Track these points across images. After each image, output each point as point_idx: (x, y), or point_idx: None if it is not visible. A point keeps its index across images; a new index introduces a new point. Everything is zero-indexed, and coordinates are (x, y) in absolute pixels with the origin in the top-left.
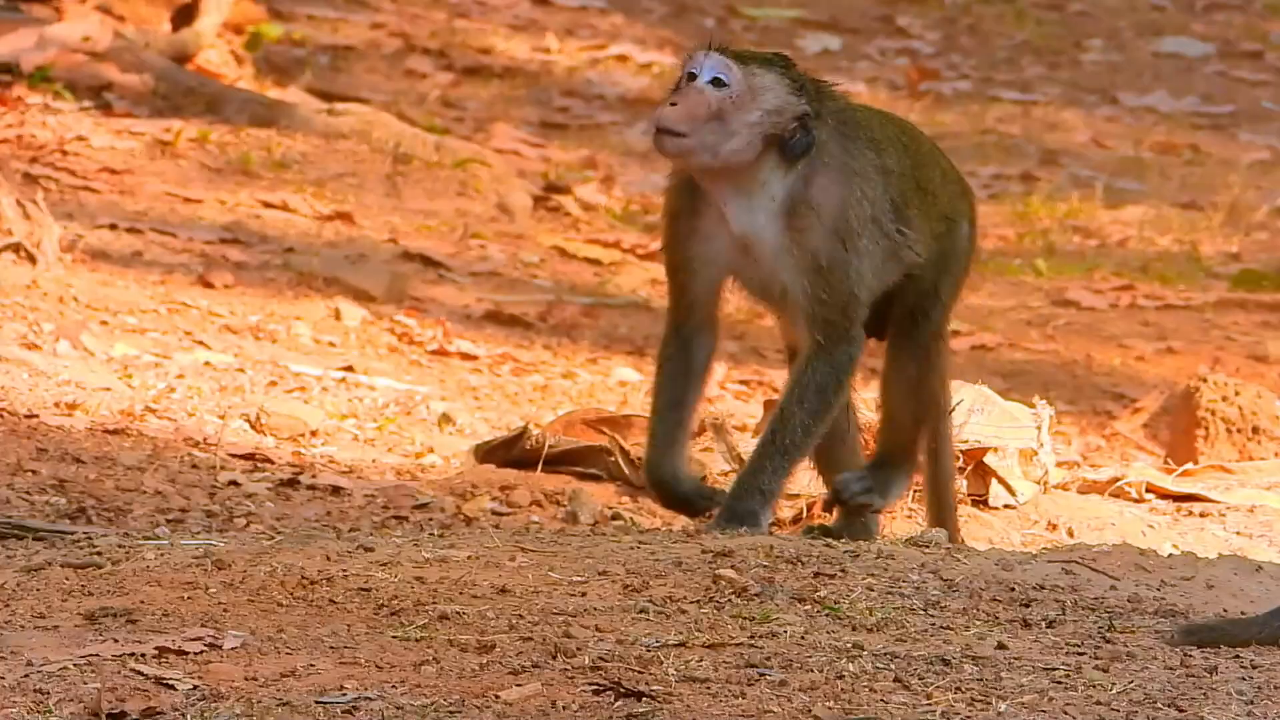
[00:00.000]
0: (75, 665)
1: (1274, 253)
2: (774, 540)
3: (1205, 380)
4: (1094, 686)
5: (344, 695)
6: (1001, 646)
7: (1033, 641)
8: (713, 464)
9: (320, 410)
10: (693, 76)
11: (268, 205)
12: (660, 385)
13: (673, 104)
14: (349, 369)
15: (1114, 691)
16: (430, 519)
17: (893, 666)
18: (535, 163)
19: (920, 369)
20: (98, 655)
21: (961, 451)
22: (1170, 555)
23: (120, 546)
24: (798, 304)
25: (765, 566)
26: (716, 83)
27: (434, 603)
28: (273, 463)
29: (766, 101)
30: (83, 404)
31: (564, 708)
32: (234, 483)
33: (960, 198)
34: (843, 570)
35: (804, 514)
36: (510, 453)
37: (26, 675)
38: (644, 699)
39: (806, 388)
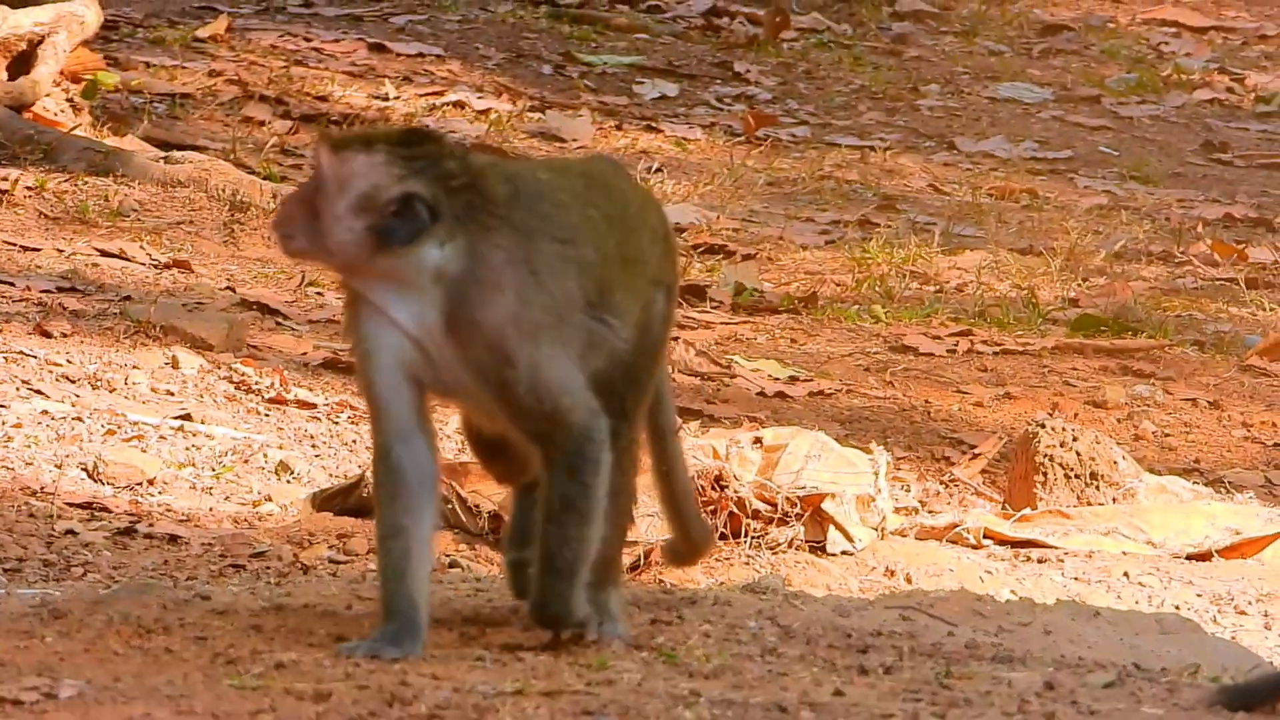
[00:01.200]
0: None
1: (1112, 298)
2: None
3: (1043, 426)
4: None
5: None
6: (839, 693)
7: (869, 688)
8: None
9: (158, 459)
10: None
11: (105, 254)
12: (378, 515)
13: (282, 202)
14: (186, 417)
15: None
16: (268, 567)
17: (730, 714)
18: None
19: (617, 481)
20: None
21: (799, 498)
22: (1008, 601)
23: None
24: (499, 417)
25: None
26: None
27: (270, 651)
28: (110, 511)
29: (354, 188)
30: None
31: None
32: (71, 532)
33: (667, 257)
34: (679, 617)
35: (642, 561)
36: (348, 500)
37: None
38: None
39: (554, 506)
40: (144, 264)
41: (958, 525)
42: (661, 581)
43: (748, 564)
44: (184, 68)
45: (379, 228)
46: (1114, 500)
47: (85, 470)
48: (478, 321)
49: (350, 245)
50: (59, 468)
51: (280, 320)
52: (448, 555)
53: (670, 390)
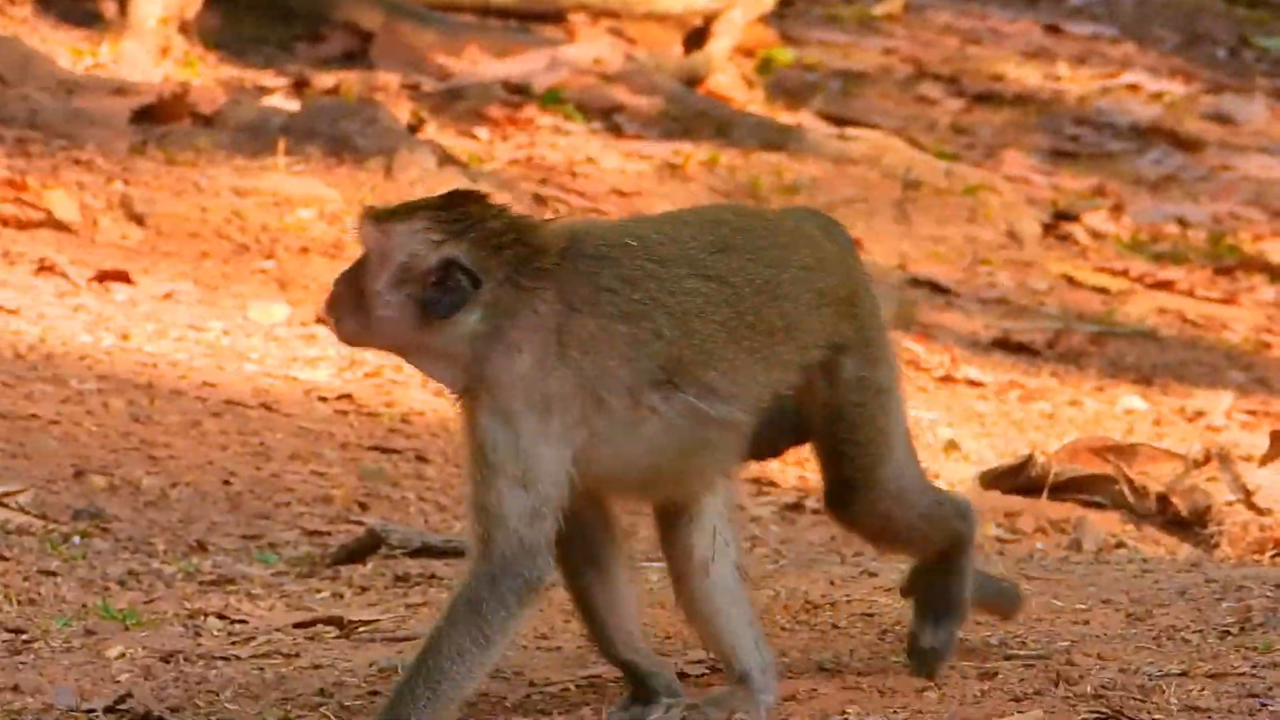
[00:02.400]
0: (577, 686)
1: None
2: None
3: None
4: None
5: (845, 719)
6: None
7: None
8: (1218, 493)
9: None
10: None
11: None
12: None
13: (334, 282)
14: None
15: None
16: None
17: None
18: (1044, 190)
19: (893, 544)
20: (599, 676)
21: None
22: None
23: None
24: (465, 484)
25: (1269, 597)
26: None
27: None
28: (778, 486)
29: (395, 261)
30: None
31: None
32: (739, 506)
33: (849, 319)
34: None
35: None
36: (1015, 480)
37: (528, 695)
38: None
39: (459, 605)
40: None
41: None
42: None
43: None
44: (858, 45)
45: (421, 300)
46: None
47: None
48: (487, 377)
49: (393, 322)
50: None
51: (951, 298)
52: (1114, 536)
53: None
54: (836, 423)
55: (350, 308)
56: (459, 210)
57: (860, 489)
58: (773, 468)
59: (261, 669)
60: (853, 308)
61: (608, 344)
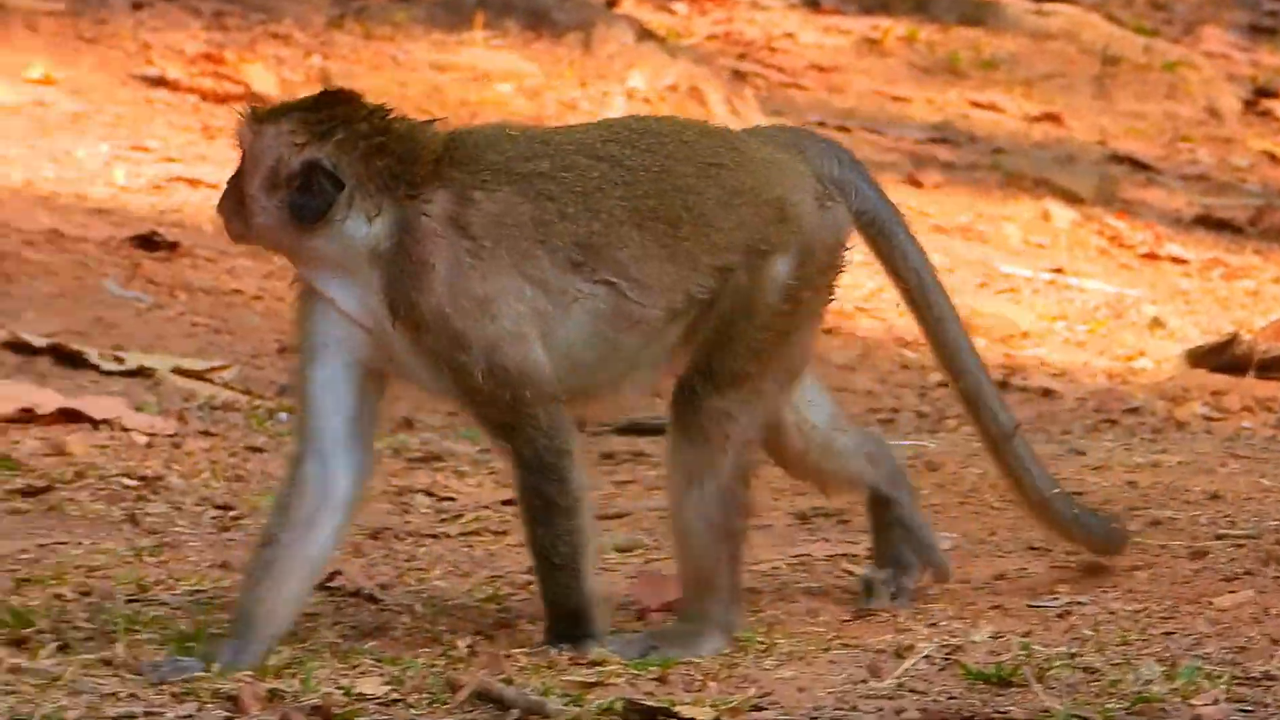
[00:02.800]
0: (787, 564)
1: None
2: None
3: None
4: None
5: (1056, 599)
6: None
7: None
8: None
9: (1030, 311)
10: None
11: (976, 105)
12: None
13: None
14: (1059, 270)
15: None
16: (1141, 423)
17: None
18: (1243, 67)
19: (699, 457)
20: (809, 555)
21: None
22: None
23: None
24: (459, 407)
25: None
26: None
27: (1146, 507)
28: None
29: (265, 164)
30: None
31: (1277, 615)
32: (944, 384)
33: (777, 223)
34: None
35: None
36: (1221, 357)
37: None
38: None
39: (534, 505)
40: (1015, 116)
41: None
42: None
43: None
44: None
45: (289, 203)
46: None
47: None
48: (415, 303)
49: (270, 226)
50: None
51: (1152, 175)
52: None
53: (993, 388)
54: (742, 316)
55: (234, 209)
56: (326, 112)
57: (722, 390)
58: (978, 344)
59: (470, 546)
60: (782, 213)
61: (516, 224)
